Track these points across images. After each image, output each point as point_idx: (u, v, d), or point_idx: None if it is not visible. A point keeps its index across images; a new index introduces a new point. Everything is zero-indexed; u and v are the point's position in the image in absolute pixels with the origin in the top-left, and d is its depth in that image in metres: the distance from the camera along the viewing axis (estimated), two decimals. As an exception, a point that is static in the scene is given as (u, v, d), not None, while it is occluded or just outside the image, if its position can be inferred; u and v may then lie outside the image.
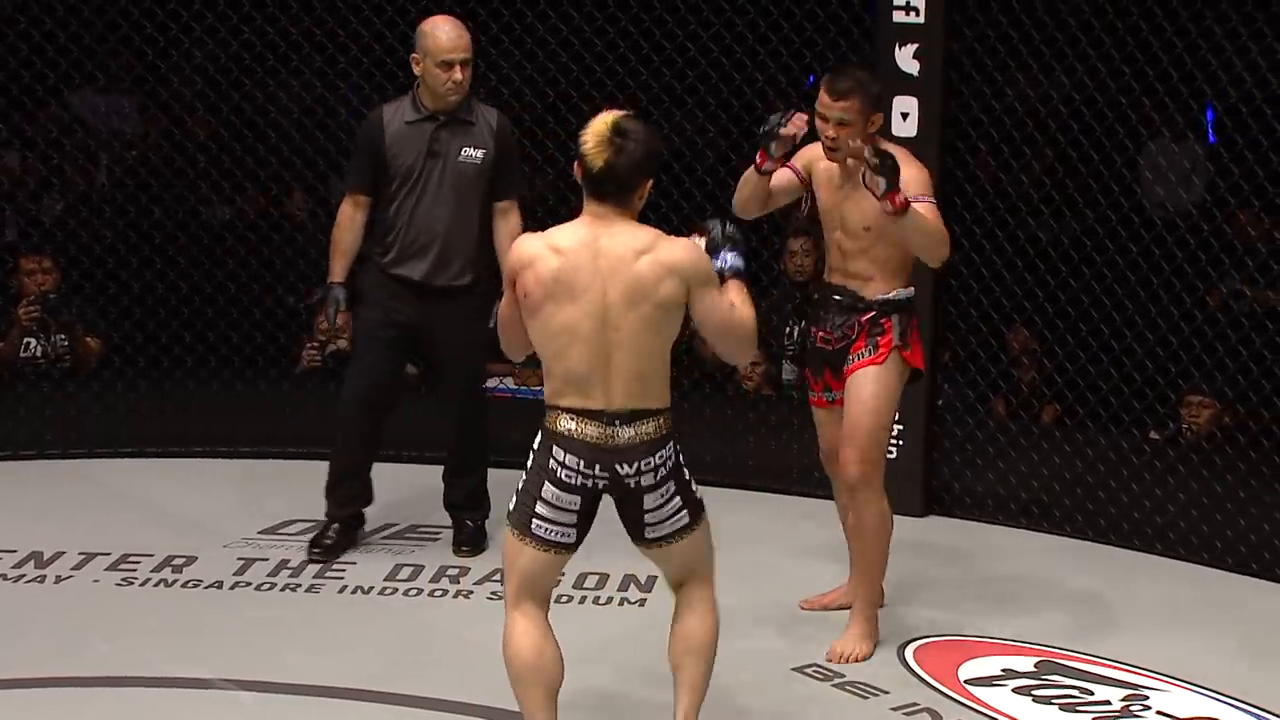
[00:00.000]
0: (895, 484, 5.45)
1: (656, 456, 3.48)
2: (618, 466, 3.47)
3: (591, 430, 3.45)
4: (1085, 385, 5.77)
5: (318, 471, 5.76)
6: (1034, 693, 4.23)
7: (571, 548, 3.57)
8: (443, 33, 4.74)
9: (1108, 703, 4.19)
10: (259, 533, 5.33)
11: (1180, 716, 4.11)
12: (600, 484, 3.49)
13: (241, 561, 5.07)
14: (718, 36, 6.10)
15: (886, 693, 4.20)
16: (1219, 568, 5.12)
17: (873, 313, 4.29)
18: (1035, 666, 4.37)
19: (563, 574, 4.94)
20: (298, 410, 6.25)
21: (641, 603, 4.82)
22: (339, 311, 4.94)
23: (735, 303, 3.50)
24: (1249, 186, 5.53)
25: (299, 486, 5.72)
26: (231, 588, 4.89)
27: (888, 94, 5.33)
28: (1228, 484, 5.45)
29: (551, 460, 3.48)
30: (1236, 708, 4.15)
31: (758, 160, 4.28)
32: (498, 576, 4.96)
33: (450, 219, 4.81)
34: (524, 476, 3.54)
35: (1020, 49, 5.47)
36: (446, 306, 4.87)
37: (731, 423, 6.17)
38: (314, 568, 5.03)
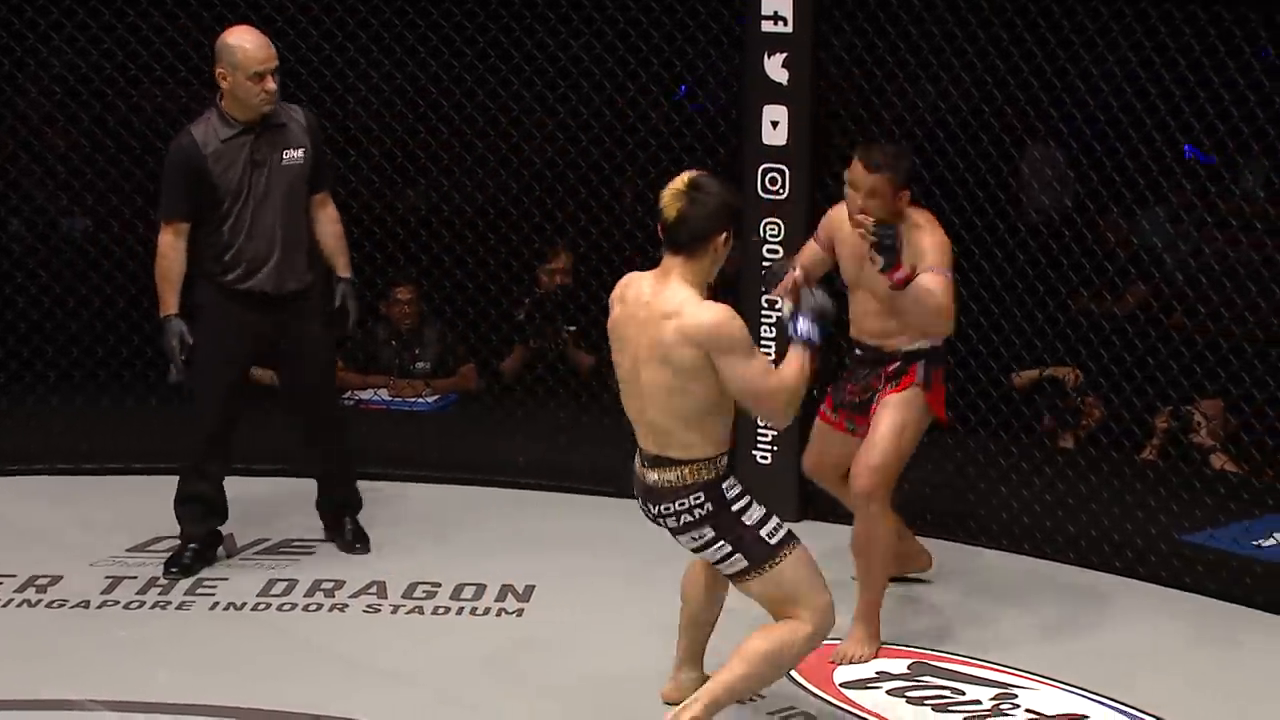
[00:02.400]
0: (771, 489, 5.51)
1: (676, 503, 3.66)
2: (649, 506, 3.74)
3: (637, 467, 3.75)
4: (955, 389, 5.86)
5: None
6: (907, 694, 4.29)
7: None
8: (251, 44, 4.71)
9: (979, 702, 4.26)
10: (127, 550, 5.23)
11: (1049, 714, 4.19)
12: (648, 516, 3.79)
13: (109, 580, 4.97)
14: (588, 46, 6.11)
15: (763, 698, 4.23)
16: (1085, 566, 5.22)
17: (897, 363, 4.42)
18: (908, 668, 4.43)
19: (440, 584, 4.96)
20: (166, 424, 6.14)
21: (519, 613, 4.81)
22: (184, 345, 4.81)
23: (784, 369, 3.64)
24: (1107, 193, 5.67)
25: (169, 503, 5.62)
26: (99, 607, 4.79)
27: (758, 103, 5.40)
28: (1092, 484, 5.58)
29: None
30: (1103, 704, 4.24)
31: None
32: (373, 589, 4.92)
33: (285, 224, 4.81)
34: (738, 511, 3.70)
35: (887, 58, 5.55)
36: (297, 311, 4.88)
37: (608, 432, 6.17)
38: (185, 584, 4.95)
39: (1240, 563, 5.08)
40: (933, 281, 4.16)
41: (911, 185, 4.31)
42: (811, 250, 4.51)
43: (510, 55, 6.20)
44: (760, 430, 5.56)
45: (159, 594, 4.90)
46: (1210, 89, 5.15)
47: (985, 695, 4.29)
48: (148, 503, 5.64)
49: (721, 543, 3.69)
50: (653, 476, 3.68)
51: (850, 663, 4.42)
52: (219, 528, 5.08)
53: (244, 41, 4.71)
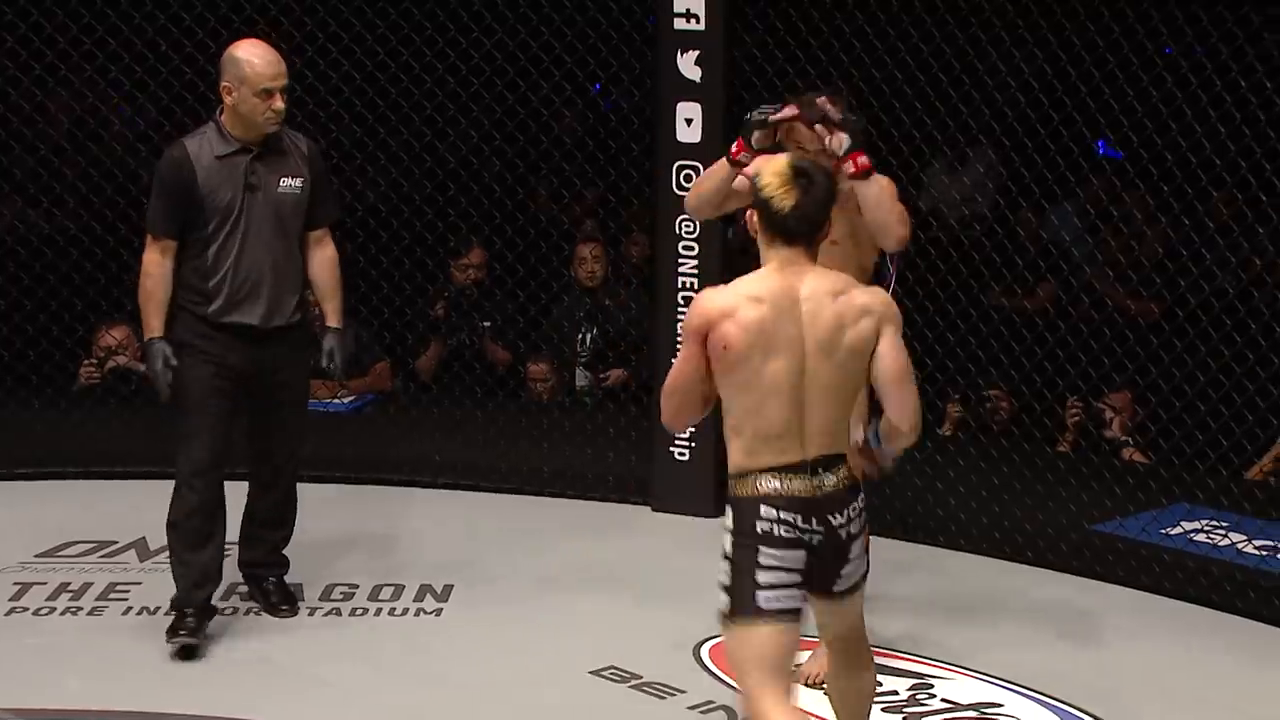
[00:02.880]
0: (687, 485, 5.53)
1: (860, 500, 3.32)
2: (831, 517, 3.26)
3: (798, 484, 3.24)
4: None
5: (99, 491, 5.59)
6: (825, 686, 4.31)
7: (800, 614, 3.26)
8: (260, 59, 4.37)
9: (895, 693, 4.29)
10: (36, 556, 5.14)
11: (964, 703, 4.24)
12: (816, 539, 3.25)
13: (18, 586, 4.89)
14: (501, 45, 6.10)
15: (684, 692, 4.25)
16: (999, 557, 5.29)
17: None
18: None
19: (358, 585, 4.93)
20: (77, 429, 6.06)
21: (438, 613, 4.79)
22: (169, 368, 4.40)
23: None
24: (1016, 189, 5.75)
25: (78, 507, 5.55)
26: (8, 614, 4.72)
27: (672, 100, 5.42)
28: (1005, 475, 5.65)
29: (761, 524, 3.22)
30: (1017, 692, 4.30)
31: (733, 150, 4.04)
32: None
33: (277, 255, 4.45)
34: (724, 566, 3.26)
35: (799, 55, 5.59)
36: (282, 348, 4.51)
37: (526, 430, 6.17)
38: (96, 588, 4.88)
39: (1149, 551, 5.16)
40: (888, 184, 3.96)
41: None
42: (742, 181, 4.12)
43: (423, 54, 6.18)
44: (677, 427, 5.57)
45: (70, 599, 4.83)
46: (1115, 85, 5.24)
47: (902, 686, 4.33)
48: (57, 508, 5.58)
49: (865, 546, 3.37)
50: (831, 480, 3.27)
51: (817, 684, 4.17)
52: (212, 593, 4.57)
53: (254, 55, 4.37)
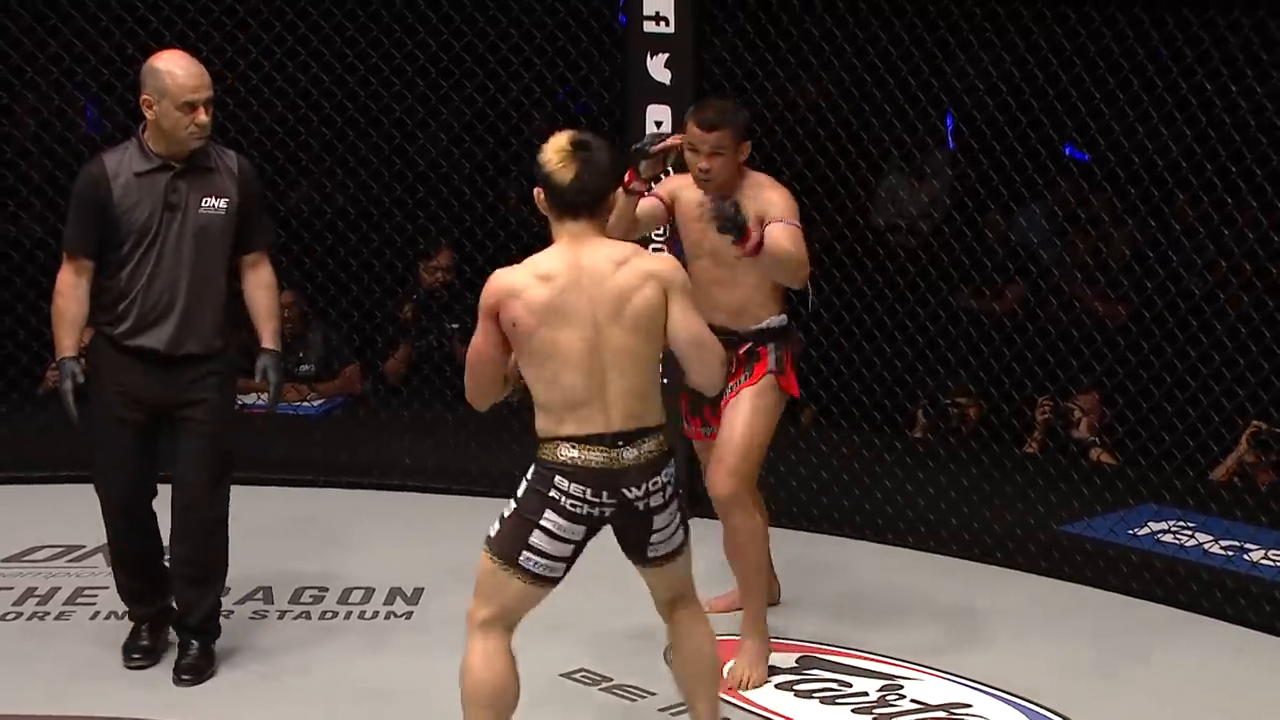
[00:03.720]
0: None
1: (663, 474, 3.43)
2: (625, 491, 3.39)
3: (595, 456, 3.37)
4: (839, 387, 5.93)
5: (66, 495, 5.55)
6: (795, 688, 4.33)
7: (555, 583, 3.46)
8: (182, 70, 4.12)
9: (865, 694, 4.30)
10: (2, 561, 5.11)
11: (933, 703, 4.25)
12: (607, 511, 3.40)
13: (-15, 592, 4.87)
14: (470, 47, 6.09)
15: (654, 694, 4.25)
16: (968, 558, 5.31)
17: (749, 344, 4.22)
18: (796, 662, 4.47)
19: (327, 588, 4.91)
20: (42, 433, 6.02)
21: (408, 615, 4.78)
22: (75, 388, 4.18)
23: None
24: (985, 191, 5.77)
25: (46, 511, 5.52)
26: (-27, 620, 4.69)
27: (642, 103, 5.42)
28: (973, 477, 5.67)
29: (554, 490, 3.37)
30: (985, 693, 4.31)
31: (625, 180, 4.11)
32: (259, 594, 4.86)
33: (193, 279, 4.19)
34: (513, 505, 3.42)
35: (768, 58, 5.60)
36: (194, 378, 4.24)
37: (495, 432, 6.16)
38: (64, 593, 4.85)
39: (1117, 551, 5.19)
40: (784, 234, 3.97)
41: (749, 138, 4.14)
42: (650, 204, 4.25)
43: (392, 56, 6.17)
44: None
45: (37, 604, 4.80)
46: (1082, 87, 5.27)
47: (872, 687, 4.34)
48: (24, 512, 5.54)
49: (678, 515, 3.49)
50: (631, 454, 3.37)
51: (747, 687, 4.24)
52: (168, 603, 4.42)
53: (174, 66, 4.12)
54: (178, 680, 4.31)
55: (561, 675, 4.35)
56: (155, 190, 4.17)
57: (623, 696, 4.25)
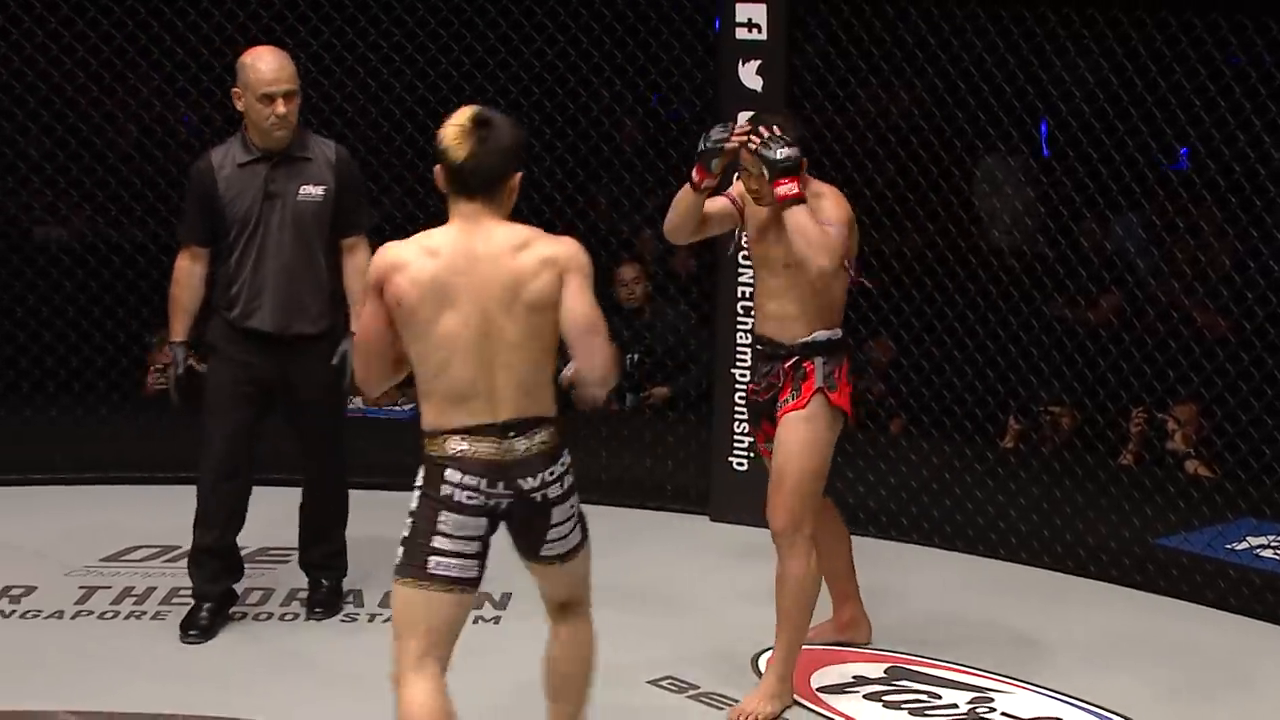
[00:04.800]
0: (746, 495, 5.52)
1: (559, 464, 3.27)
2: (521, 481, 3.22)
3: (485, 447, 3.20)
4: (930, 395, 5.89)
5: (162, 496, 5.65)
6: (884, 698, 4.29)
7: (475, 584, 3.27)
8: (264, 64, 4.39)
9: (955, 706, 4.26)
10: (101, 560, 5.20)
11: (1024, 717, 4.20)
12: (504, 503, 3.24)
13: (84, 590, 4.95)
14: (563, 54, 6.12)
15: (739, 702, 4.23)
16: (1061, 570, 5.24)
17: (795, 358, 4.07)
18: (885, 673, 4.44)
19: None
20: (142, 435, 6.13)
21: (496, 620, 4.80)
22: (178, 374, 4.56)
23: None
24: (1080, 199, 5.70)
25: (143, 512, 5.61)
26: (73, 617, 4.77)
27: (733, 109, 5.41)
28: (1067, 488, 5.61)
29: (445, 486, 3.21)
30: (1078, 708, 4.26)
31: (694, 177, 4.03)
32: (350, 597, 4.90)
33: (296, 264, 4.47)
34: (408, 521, 3.26)
35: (860, 65, 5.57)
36: (303, 357, 4.53)
37: (584, 439, 6.17)
38: (160, 593, 4.93)
39: (1214, 566, 5.10)
40: (808, 220, 3.89)
41: (807, 153, 4.00)
42: (722, 204, 4.15)
43: (485, 62, 6.21)
44: (736, 435, 5.57)
45: (134, 604, 4.87)
46: (1181, 95, 5.19)
47: (961, 699, 4.30)
48: (121, 513, 5.64)
49: (574, 513, 3.33)
50: (523, 445, 3.21)
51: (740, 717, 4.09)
52: (234, 585, 4.73)
53: (257, 60, 4.40)
54: (312, 614, 4.74)
55: (648, 682, 4.35)
56: (255, 180, 4.44)
57: (709, 704, 4.24)
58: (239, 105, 4.44)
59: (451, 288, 3.16)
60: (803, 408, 4.06)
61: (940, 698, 4.31)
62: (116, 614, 4.80)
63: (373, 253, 4.46)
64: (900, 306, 5.76)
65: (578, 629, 3.50)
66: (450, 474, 3.21)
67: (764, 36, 5.34)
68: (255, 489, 5.67)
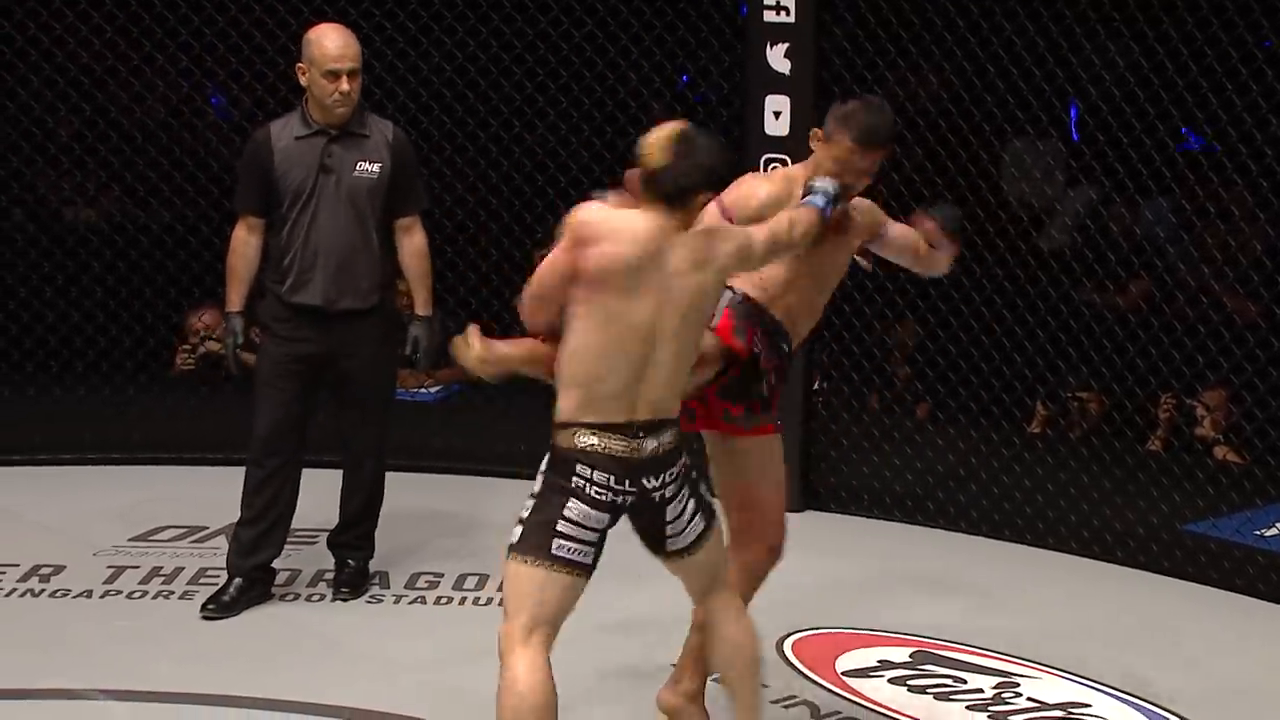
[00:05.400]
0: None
1: (678, 465, 3.35)
2: (645, 481, 3.30)
3: (617, 444, 3.26)
4: (957, 380, 5.87)
5: (190, 477, 5.68)
6: (909, 683, 4.29)
7: (590, 571, 3.31)
8: (329, 41, 4.47)
9: (980, 691, 4.26)
10: (129, 540, 5.23)
11: (1050, 702, 4.20)
12: (628, 500, 3.30)
13: (112, 570, 4.98)
14: (591, 36, 6.11)
15: (766, 686, 4.21)
16: (1088, 556, 5.23)
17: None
18: (910, 657, 4.44)
19: (442, 574, 4.96)
20: (171, 415, 6.16)
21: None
22: (236, 345, 4.63)
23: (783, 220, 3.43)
24: (1110, 183, 5.66)
25: (172, 492, 5.64)
26: (102, 596, 4.80)
27: (761, 93, 5.40)
28: (1095, 474, 5.58)
29: (576, 479, 3.26)
30: (1104, 693, 4.25)
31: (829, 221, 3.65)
32: (376, 579, 4.92)
33: (348, 238, 4.52)
34: (530, 502, 3.31)
35: (889, 48, 5.55)
36: (352, 332, 4.57)
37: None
38: (188, 573, 4.95)
39: (1243, 553, 5.08)
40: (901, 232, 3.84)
41: None
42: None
43: (512, 45, 6.20)
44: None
45: (162, 583, 4.90)
46: (1213, 79, 5.15)
47: (987, 684, 4.29)
48: (150, 493, 5.67)
49: (691, 503, 3.40)
50: (651, 445, 3.28)
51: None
52: (271, 563, 4.71)
53: (323, 37, 4.48)
54: (336, 593, 4.76)
55: (673, 665, 4.34)
56: (312, 154, 4.49)
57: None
58: (302, 80, 4.51)
59: (638, 282, 3.21)
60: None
61: (966, 682, 4.30)
62: (145, 594, 4.83)
63: (427, 234, 4.66)
64: (927, 290, 5.73)
65: (733, 617, 3.55)
66: (581, 469, 3.27)
67: (792, 19, 5.32)
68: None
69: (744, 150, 5.54)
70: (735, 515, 3.76)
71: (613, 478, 3.27)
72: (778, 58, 5.36)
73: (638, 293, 3.21)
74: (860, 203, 3.81)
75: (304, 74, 4.50)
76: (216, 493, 5.36)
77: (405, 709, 4.11)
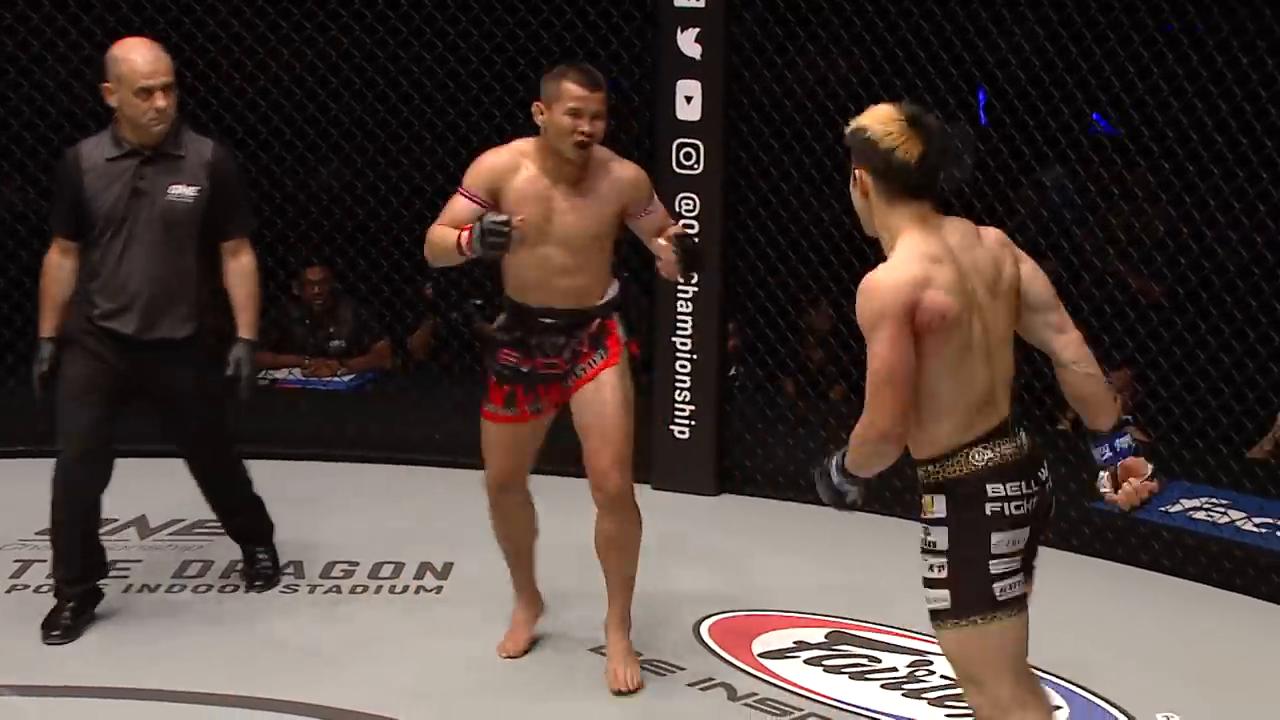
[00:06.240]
0: (688, 463, 5.53)
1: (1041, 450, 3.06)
2: (1039, 473, 2.98)
3: (1008, 448, 2.93)
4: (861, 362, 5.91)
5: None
6: (825, 663, 4.33)
7: (1027, 600, 3.00)
8: (139, 56, 4.18)
9: (895, 669, 4.31)
10: (36, 534, 5.14)
11: (964, 678, 4.25)
12: (1033, 504, 2.97)
13: (19, 564, 4.90)
14: (500, 21, 6.08)
15: (683, 669, 4.25)
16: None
17: (598, 320, 4.03)
18: (826, 637, 4.47)
19: (358, 562, 4.92)
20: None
21: (438, 590, 4.80)
22: (40, 373, 4.33)
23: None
24: (1018, 166, 5.73)
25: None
26: (8, 591, 4.73)
27: (672, 78, 5.40)
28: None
29: (990, 505, 2.91)
30: (1016, 668, 4.30)
31: (466, 251, 3.85)
32: (290, 568, 4.88)
33: (162, 265, 4.25)
34: (942, 560, 2.96)
35: (798, 32, 5.57)
36: (165, 363, 4.33)
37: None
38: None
39: (1148, 529, 5.17)
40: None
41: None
42: (470, 209, 3.91)
43: (422, 30, 6.16)
44: (678, 404, 5.58)
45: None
46: (1116, 61, 5.22)
47: (901, 663, 4.34)
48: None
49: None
50: (1024, 436, 2.97)
51: (632, 685, 4.11)
52: (96, 585, 4.52)
53: (131, 53, 4.19)
54: (249, 587, 4.70)
55: (590, 650, 4.36)
56: (123, 177, 4.23)
57: (650, 671, 4.26)
58: (111, 100, 4.22)
59: (967, 291, 2.90)
60: (616, 363, 4.04)
61: (880, 661, 4.35)
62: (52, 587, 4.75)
63: (255, 254, 4.38)
64: (839, 274, 5.77)
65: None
66: (993, 488, 2.92)
67: (702, 4, 5.33)
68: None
69: (655, 135, 5.55)
70: None
71: (1022, 484, 2.94)
72: (688, 42, 5.37)
73: (974, 304, 2.92)
74: (636, 175, 4.00)
75: (112, 94, 4.21)
76: (124, 484, 5.25)
77: (320, 693, 4.09)
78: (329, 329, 6.80)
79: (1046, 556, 5.06)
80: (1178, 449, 5.54)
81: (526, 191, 3.92)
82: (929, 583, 2.96)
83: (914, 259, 2.86)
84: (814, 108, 5.72)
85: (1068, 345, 3.07)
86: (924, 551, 2.97)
